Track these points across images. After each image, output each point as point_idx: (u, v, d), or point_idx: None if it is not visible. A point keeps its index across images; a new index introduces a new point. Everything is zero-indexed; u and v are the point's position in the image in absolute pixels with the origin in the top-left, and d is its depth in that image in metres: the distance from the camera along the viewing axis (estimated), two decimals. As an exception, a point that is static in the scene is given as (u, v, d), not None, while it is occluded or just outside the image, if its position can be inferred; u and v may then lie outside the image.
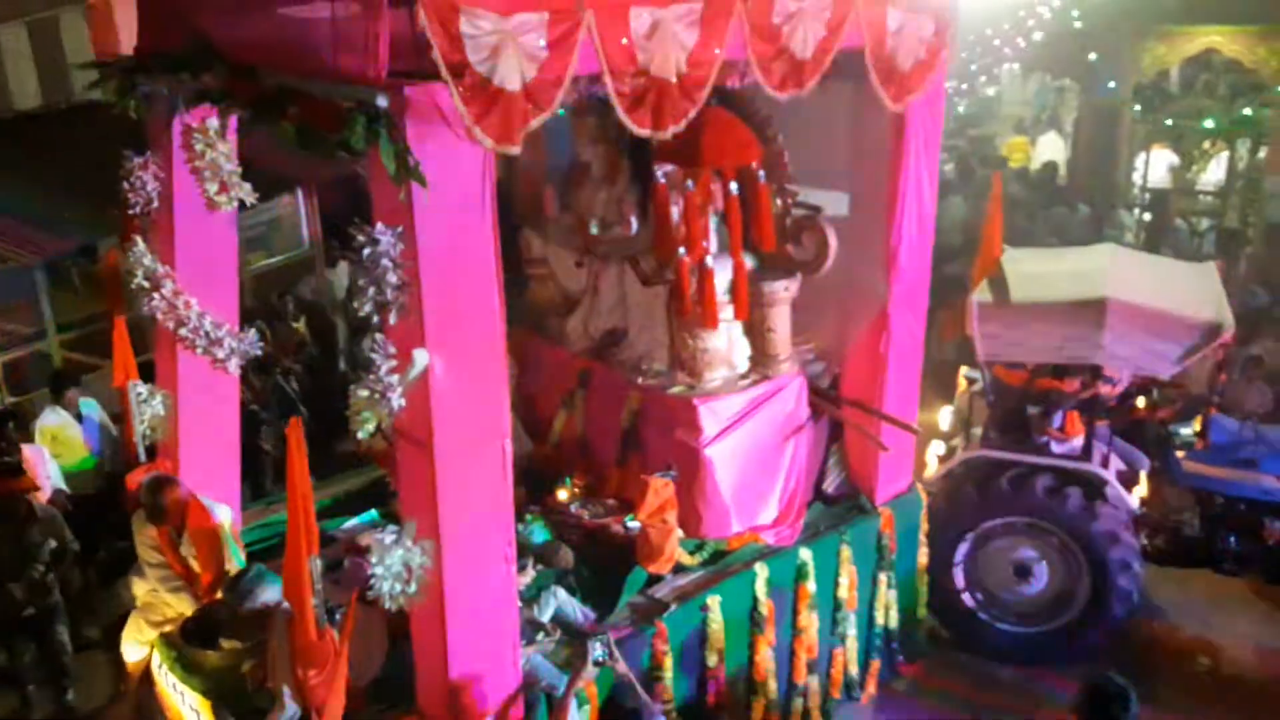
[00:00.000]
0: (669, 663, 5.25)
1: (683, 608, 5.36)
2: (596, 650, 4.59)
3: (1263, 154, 12.86)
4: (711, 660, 5.48)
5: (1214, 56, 12.57)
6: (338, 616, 4.35)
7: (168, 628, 5.14)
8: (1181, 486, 7.34)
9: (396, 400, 3.76)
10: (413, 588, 4.00)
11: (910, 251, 5.90)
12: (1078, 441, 6.90)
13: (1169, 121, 12.96)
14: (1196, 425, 7.48)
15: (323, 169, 10.98)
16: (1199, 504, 7.28)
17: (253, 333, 5.71)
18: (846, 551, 6.09)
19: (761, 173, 5.27)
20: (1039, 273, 6.96)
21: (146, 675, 5.34)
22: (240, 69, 4.06)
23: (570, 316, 6.70)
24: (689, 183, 5.30)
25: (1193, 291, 6.76)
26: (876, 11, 5.11)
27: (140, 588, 5.35)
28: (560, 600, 5.18)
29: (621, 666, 4.72)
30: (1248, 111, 12.45)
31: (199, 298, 5.36)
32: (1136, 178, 13.75)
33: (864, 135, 5.80)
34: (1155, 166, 13.75)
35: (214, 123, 4.93)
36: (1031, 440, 6.95)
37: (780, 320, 5.92)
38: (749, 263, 5.68)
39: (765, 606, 5.67)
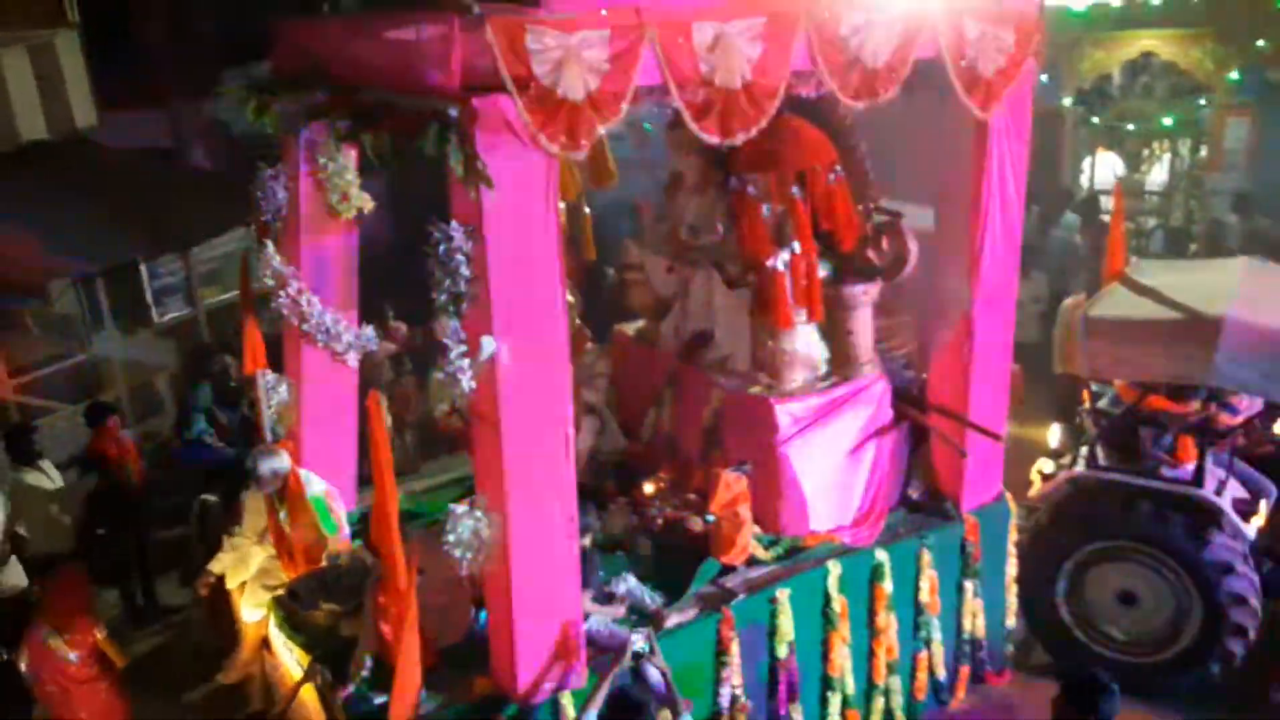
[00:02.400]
0: (735, 649, 5.43)
1: (751, 598, 5.53)
2: (637, 642, 4.83)
3: (1204, 153, 13.25)
4: (781, 652, 5.62)
5: (1152, 60, 12.86)
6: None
7: (280, 591, 5.70)
8: None
9: (467, 383, 4.14)
10: (481, 556, 4.34)
11: (995, 260, 5.92)
12: (1191, 466, 6.61)
13: (1110, 123, 13.32)
14: None
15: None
16: None
17: (370, 328, 6.27)
18: (927, 556, 6.13)
19: (833, 175, 5.39)
20: (1161, 287, 6.73)
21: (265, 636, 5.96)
22: (343, 87, 4.55)
23: (663, 320, 7.01)
24: (747, 188, 5.49)
25: None
26: (953, 21, 5.22)
27: (258, 557, 5.95)
28: (630, 585, 5.45)
29: (659, 661, 4.94)
30: (1185, 112, 12.83)
31: (320, 296, 5.92)
32: (1084, 180, 13.97)
33: (949, 144, 5.86)
34: (1102, 169, 13.96)
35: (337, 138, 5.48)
36: (1141, 461, 6.74)
37: (860, 324, 6.05)
38: (824, 268, 5.82)
39: (838, 603, 5.79)
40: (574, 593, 4.73)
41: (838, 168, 5.44)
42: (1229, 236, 11.39)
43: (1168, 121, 13.31)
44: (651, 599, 5.47)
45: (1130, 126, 13.62)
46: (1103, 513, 6.54)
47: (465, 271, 4.04)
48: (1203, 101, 12.92)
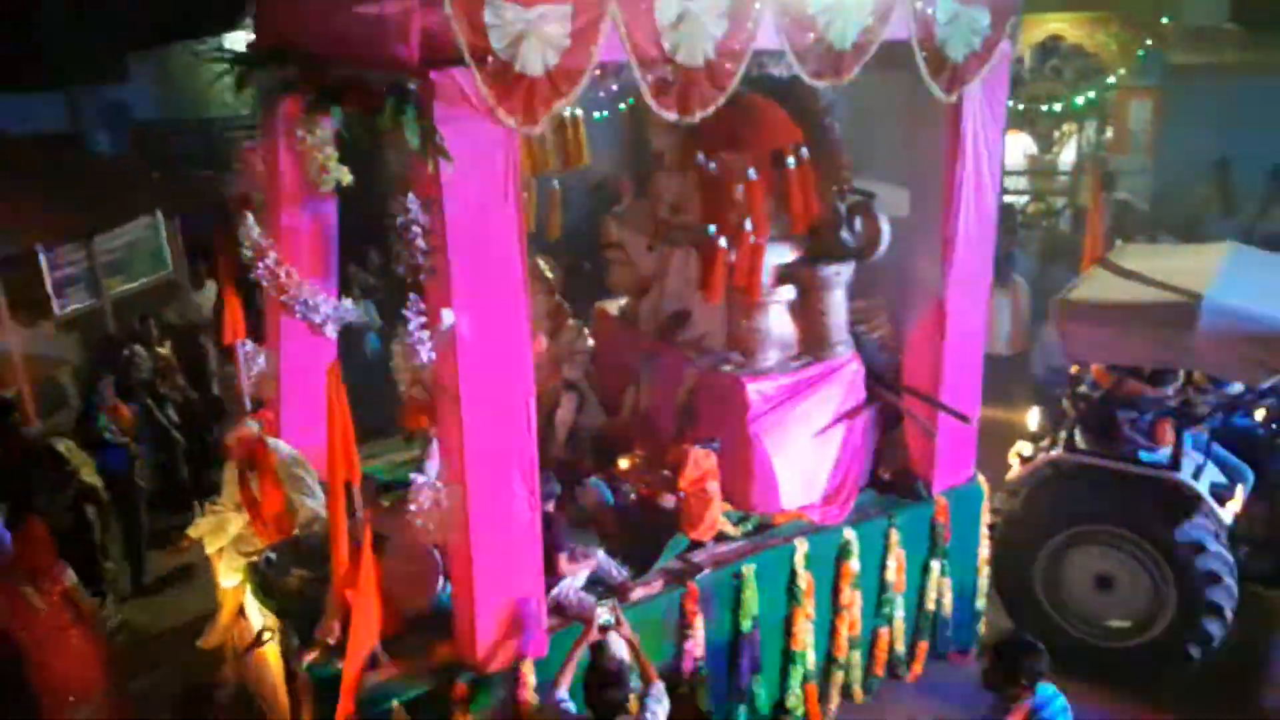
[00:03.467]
0: (699, 622, 5.51)
1: (716, 573, 5.61)
2: (602, 615, 4.91)
3: (1109, 134, 13.75)
4: (745, 625, 5.70)
5: (1060, 43, 13.16)
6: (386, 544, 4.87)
7: (255, 558, 5.80)
8: None
9: (426, 354, 4.22)
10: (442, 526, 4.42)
11: (967, 243, 5.94)
12: (1168, 450, 6.62)
13: (1020, 105, 13.43)
14: None
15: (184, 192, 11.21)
16: None
17: (349, 300, 6.34)
18: (895, 535, 6.19)
19: (792, 158, 5.41)
20: (1141, 270, 6.74)
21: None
22: (313, 61, 4.60)
23: (643, 298, 7.06)
24: (709, 166, 5.50)
25: None
26: (925, 3, 5.22)
27: (235, 524, 6.06)
28: (599, 558, 5.53)
29: (626, 632, 5.01)
30: (1092, 94, 13.14)
31: (299, 268, 5.99)
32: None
33: (924, 126, 5.87)
34: (1013, 149, 14.00)
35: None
36: (1120, 445, 6.75)
37: (833, 304, 6.10)
38: (782, 252, 5.85)
39: (803, 580, 5.85)
40: (534, 563, 4.81)
41: (803, 150, 5.44)
42: (1128, 216, 11.56)
43: (1081, 101, 13.59)
44: (619, 572, 5.54)
45: (1043, 108, 13.93)
46: (1080, 496, 6.57)
47: (422, 244, 4.09)
48: (1112, 80, 13.26)
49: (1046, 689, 4.33)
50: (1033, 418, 7.83)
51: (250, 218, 5.96)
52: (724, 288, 5.84)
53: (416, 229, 4.09)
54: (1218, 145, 11.47)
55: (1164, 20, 12.45)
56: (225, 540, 6.10)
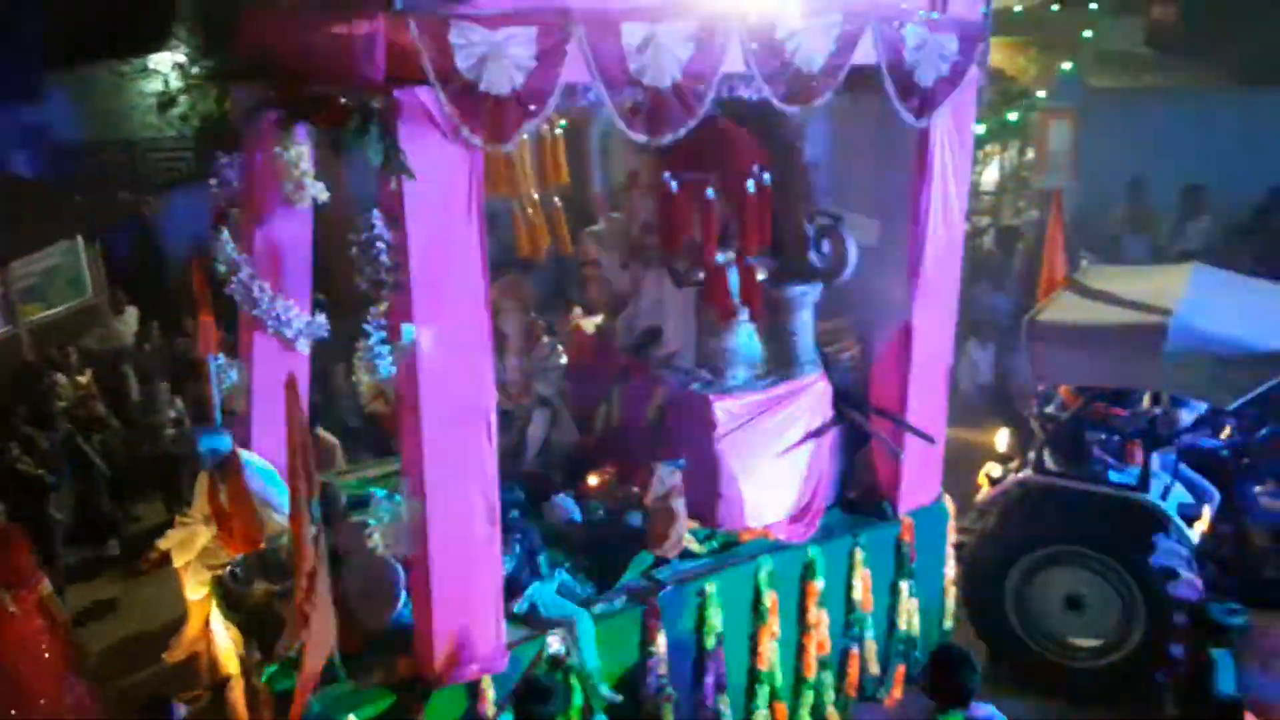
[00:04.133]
0: (661, 639, 5.52)
1: (679, 590, 5.63)
2: (553, 645, 4.91)
3: (1030, 155, 14.33)
4: (709, 643, 5.71)
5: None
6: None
7: (220, 571, 5.81)
8: (1258, 522, 6.92)
9: (385, 368, 4.25)
10: (393, 540, 4.45)
11: (934, 266, 6.01)
12: (1136, 469, 6.69)
13: None
14: None
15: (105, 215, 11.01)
16: (1277, 541, 6.82)
17: (321, 316, 6.36)
18: (860, 554, 6.22)
19: (751, 182, 5.46)
20: (1110, 291, 6.81)
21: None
22: (286, 78, 4.65)
23: (618, 316, 7.11)
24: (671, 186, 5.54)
25: (1275, 318, 6.45)
26: (894, 28, 5.30)
27: (204, 537, 6.07)
28: (561, 576, 5.56)
29: (575, 662, 5.09)
30: (1013, 116, 13.44)
31: (273, 283, 6.02)
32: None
33: (893, 150, 5.95)
34: None
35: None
36: (1088, 466, 6.81)
37: (801, 324, 6.15)
38: (760, 269, 5.91)
39: (768, 598, 5.88)
40: (493, 578, 4.83)
41: (765, 174, 5.50)
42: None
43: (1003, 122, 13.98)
44: (581, 589, 5.56)
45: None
46: (1049, 517, 6.60)
47: (385, 259, 4.13)
48: (1044, 94, 13.61)
49: (984, 707, 4.37)
50: (1001, 439, 7.90)
51: (225, 232, 5.99)
52: (731, 305, 5.86)
53: (380, 245, 4.12)
54: (1134, 165, 11.75)
55: (1083, 39, 12.96)
56: (193, 553, 6.12)
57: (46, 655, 5.78)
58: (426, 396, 4.36)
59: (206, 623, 6.16)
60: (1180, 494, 6.85)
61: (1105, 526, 6.43)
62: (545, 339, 7.16)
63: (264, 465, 6.01)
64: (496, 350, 6.91)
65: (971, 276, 10.67)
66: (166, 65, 14.25)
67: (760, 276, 5.82)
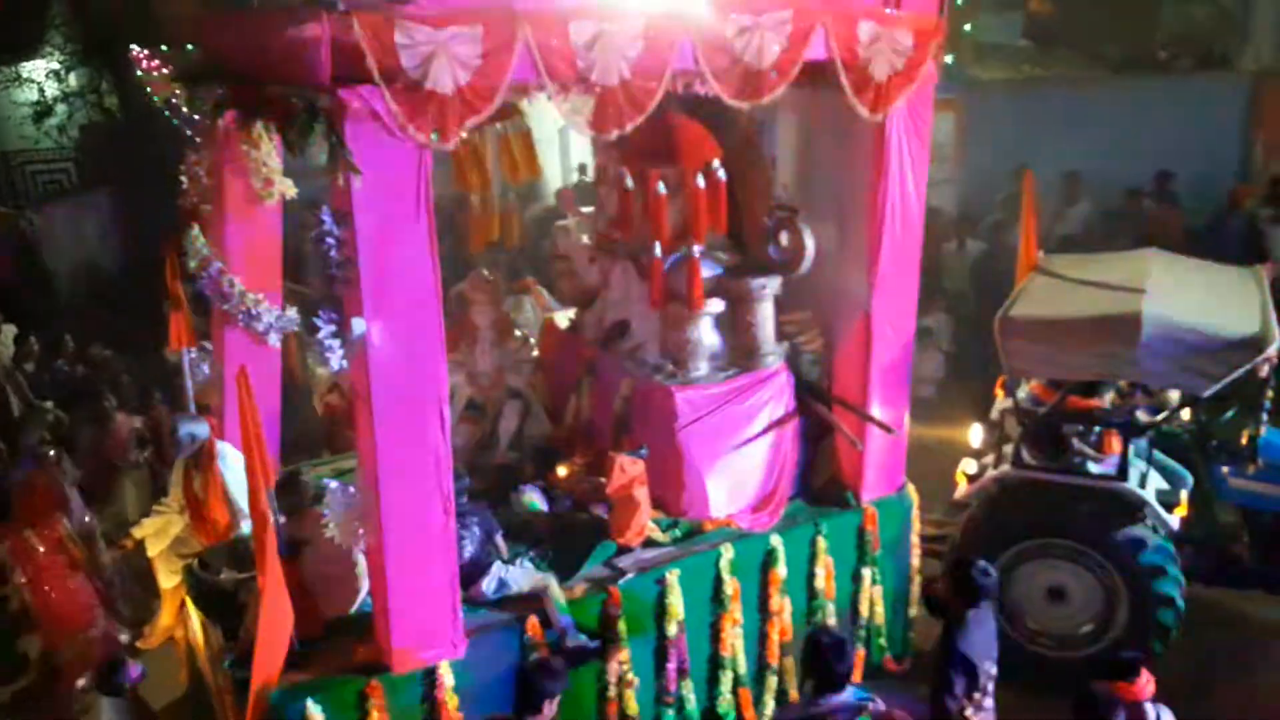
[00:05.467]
0: (622, 626, 5.62)
1: (641, 577, 5.73)
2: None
3: None
4: (671, 630, 5.81)
5: None
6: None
7: (191, 560, 5.93)
8: (1227, 504, 7.10)
9: (337, 361, 4.35)
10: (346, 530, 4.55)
11: (893, 258, 6.08)
12: (1114, 459, 6.73)
13: None
14: (1244, 440, 7.12)
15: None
16: (1247, 522, 7.04)
17: (293, 310, 6.47)
18: (822, 543, 6.31)
19: (702, 177, 5.53)
20: (1074, 282, 6.86)
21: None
22: (241, 77, 4.75)
23: (588, 309, 7.20)
24: (626, 180, 5.62)
25: (1236, 302, 6.54)
26: (846, 24, 5.37)
27: (177, 525, 6.19)
28: (526, 566, 5.67)
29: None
30: None
31: (243, 278, 6.12)
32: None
33: (851, 142, 6.01)
34: None
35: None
36: (1066, 458, 6.86)
37: (761, 317, 6.23)
38: (716, 261, 5.99)
39: (729, 585, 5.97)
40: (449, 567, 4.93)
41: (718, 169, 5.57)
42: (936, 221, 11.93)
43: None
44: (544, 578, 5.66)
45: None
46: (1030, 511, 6.67)
47: (335, 255, 4.23)
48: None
49: (860, 691, 4.51)
50: (975, 435, 7.94)
51: (195, 228, 6.09)
52: (663, 297, 5.96)
53: (330, 240, 4.22)
54: (1016, 154, 11.82)
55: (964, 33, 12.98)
56: (167, 542, 6.24)
57: (70, 586, 6.49)
58: (378, 389, 4.46)
59: (180, 611, 6.28)
60: (1157, 481, 6.95)
61: (1087, 517, 6.51)
62: (517, 332, 7.28)
63: (240, 456, 6.11)
64: (469, 343, 7.07)
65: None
66: (41, 74, 14.13)
67: (711, 271, 5.90)
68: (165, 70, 5.63)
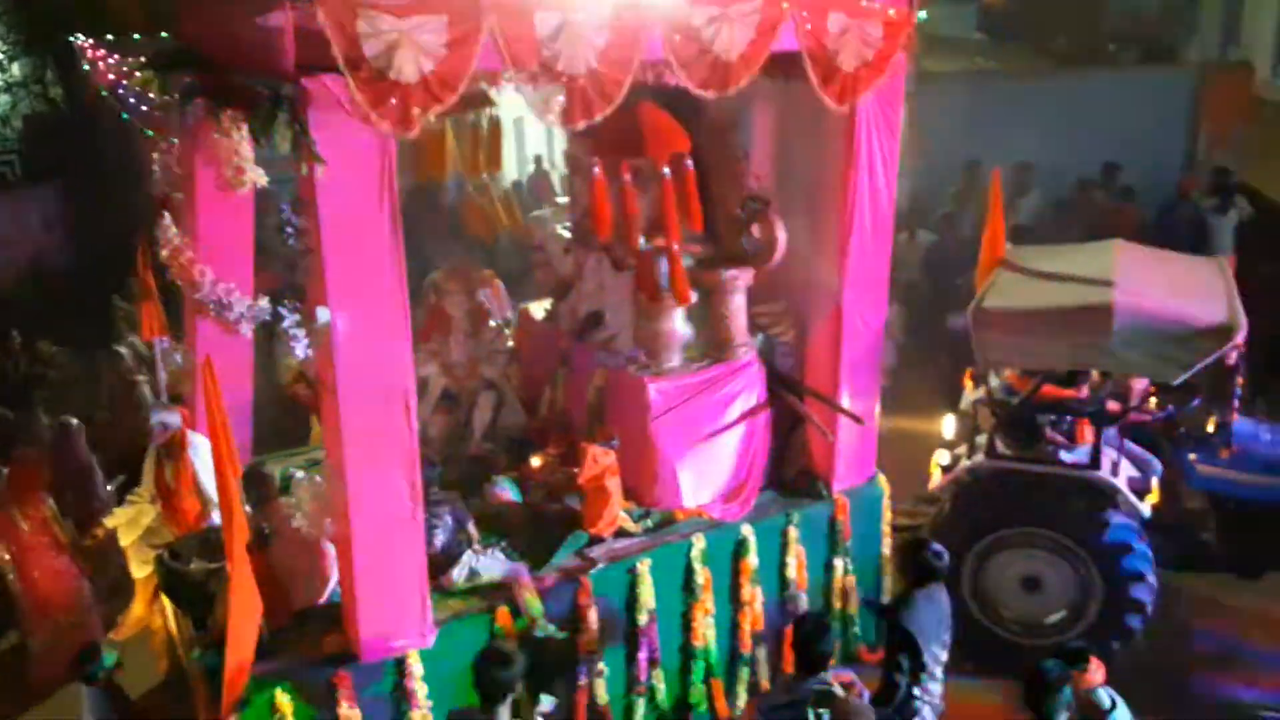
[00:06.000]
0: (592, 616, 5.65)
1: (612, 567, 5.76)
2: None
3: None
4: (641, 619, 5.84)
5: None
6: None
7: (161, 550, 5.92)
8: (1196, 490, 7.20)
9: (302, 350, 4.35)
10: (312, 520, 4.55)
11: (863, 249, 6.10)
12: (1086, 448, 6.82)
13: None
14: (1210, 426, 7.23)
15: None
16: (1214, 507, 7.14)
17: (265, 300, 6.45)
18: (794, 533, 6.35)
19: (667, 169, 5.53)
20: (1043, 273, 6.90)
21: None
22: (210, 65, 4.73)
23: (563, 300, 7.21)
24: (593, 170, 5.62)
25: (1202, 291, 6.61)
26: (815, 15, 5.37)
27: (149, 515, 6.18)
28: (498, 556, 5.69)
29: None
30: None
31: (215, 268, 6.10)
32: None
33: (823, 134, 6.03)
34: None
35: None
36: (1039, 448, 6.92)
37: (733, 308, 6.25)
38: (688, 254, 6.00)
39: (700, 575, 6.00)
40: (417, 557, 4.94)
41: (687, 159, 5.57)
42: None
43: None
44: (515, 568, 5.68)
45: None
46: (1004, 500, 6.73)
47: (294, 244, 4.23)
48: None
49: (846, 671, 4.72)
50: (948, 426, 7.99)
51: (167, 217, 6.07)
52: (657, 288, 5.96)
53: (289, 230, 4.22)
54: (968, 146, 12.01)
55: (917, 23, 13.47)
56: (139, 531, 6.23)
57: (53, 566, 6.65)
58: (343, 378, 4.46)
59: (153, 600, 6.28)
60: (1128, 469, 7.03)
61: (1061, 506, 6.59)
62: (492, 322, 7.28)
63: (207, 444, 6.11)
64: (443, 333, 7.07)
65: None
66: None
67: (689, 261, 5.91)
68: (113, 60, 5.54)
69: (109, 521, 6.31)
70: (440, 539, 5.44)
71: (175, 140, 5.93)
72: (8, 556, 6.60)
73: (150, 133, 5.65)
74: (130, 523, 6.24)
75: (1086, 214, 11.64)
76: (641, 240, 5.77)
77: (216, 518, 5.82)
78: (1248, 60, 15.52)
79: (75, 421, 7.39)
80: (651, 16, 4.80)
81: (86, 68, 5.72)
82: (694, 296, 6.18)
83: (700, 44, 5.01)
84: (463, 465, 6.77)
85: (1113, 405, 7.05)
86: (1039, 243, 7.48)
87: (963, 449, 7.57)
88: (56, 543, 6.73)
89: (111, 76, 5.40)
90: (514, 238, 7.52)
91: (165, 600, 6.00)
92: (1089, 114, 12.40)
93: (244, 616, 4.46)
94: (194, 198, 6.00)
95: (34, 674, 6.54)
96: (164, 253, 6.03)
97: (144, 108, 5.32)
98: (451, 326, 7.04)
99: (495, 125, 6.48)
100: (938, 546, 5.22)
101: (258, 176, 5.85)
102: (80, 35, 5.86)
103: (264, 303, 6.36)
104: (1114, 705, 4.48)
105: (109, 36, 5.79)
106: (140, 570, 6.19)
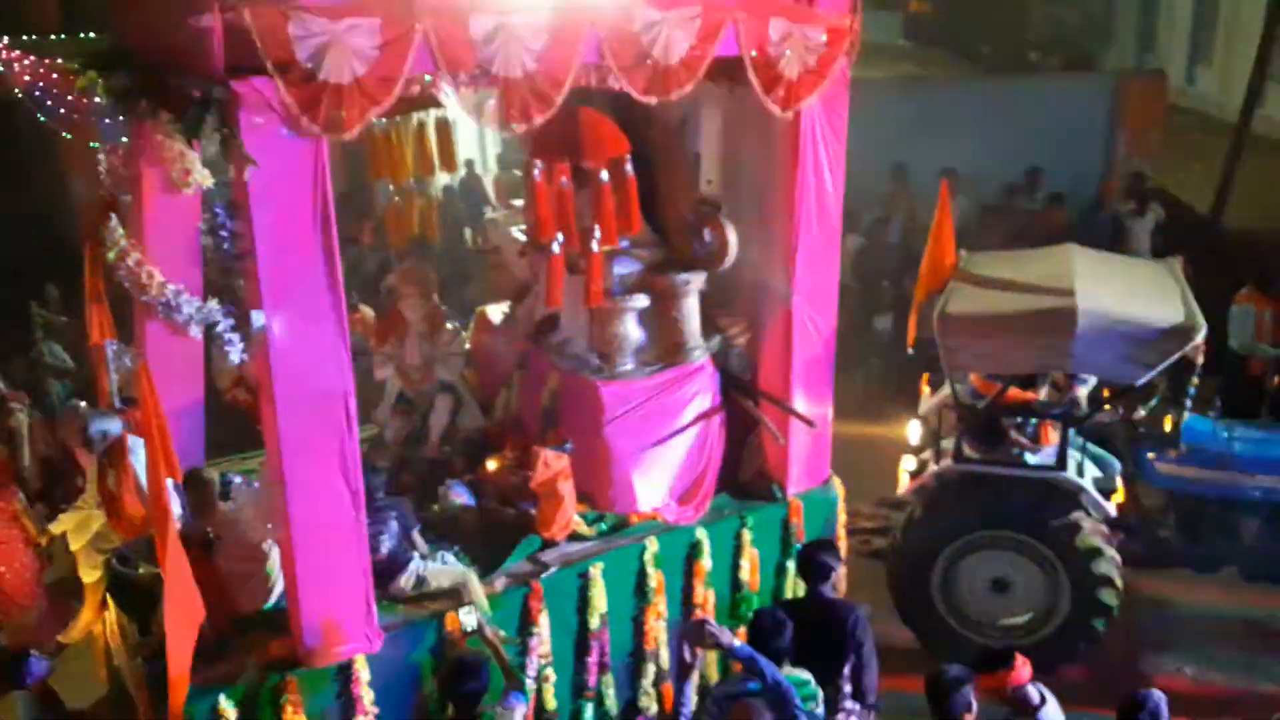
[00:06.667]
0: (544, 620, 5.63)
1: (564, 571, 5.74)
2: (466, 620, 5.02)
3: None
4: (594, 623, 5.82)
5: None
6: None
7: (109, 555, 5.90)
8: (1155, 488, 7.31)
9: (237, 354, 4.34)
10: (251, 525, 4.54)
11: (811, 254, 6.12)
12: (1051, 450, 6.91)
13: None
14: (1167, 425, 7.36)
15: None
16: (1173, 505, 7.25)
17: (214, 302, 6.42)
18: (747, 535, 6.35)
19: (605, 172, 5.54)
20: (1003, 279, 6.98)
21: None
22: (145, 66, 4.73)
23: (520, 302, 7.21)
24: (533, 172, 5.62)
25: (1158, 293, 6.73)
26: (756, 22, 5.39)
27: (97, 519, 6.15)
28: (448, 561, 5.67)
29: (489, 634, 5.20)
30: None
31: (163, 269, 6.07)
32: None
33: (770, 138, 6.04)
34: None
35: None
36: (1004, 451, 6.99)
37: (685, 312, 6.25)
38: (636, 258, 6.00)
39: (653, 578, 6.00)
40: (360, 562, 4.92)
41: (626, 164, 5.58)
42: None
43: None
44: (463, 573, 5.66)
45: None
46: (973, 504, 6.79)
47: (228, 247, 4.22)
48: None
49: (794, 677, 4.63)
50: (913, 431, 8.03)
51: (114, 219, 6.03)
52: (562, 294, 5.96)
53: (224, 234, 4.21)
54: (894, 152, 12.23)
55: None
56: (87, 537, 6.20)
57: (21, 560, 6.66)
58: (280, 383, 4.45)
59: (101, 605, 6.24)
60: (1091, 469, 7.09)
61: (1028, 508, 6.66)
62: (449, 325, 7.26)
63: (138, 444, 6.08)
64: (399, 336, 7.06)
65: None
66: None
67: (630, 267, 5.92)
68: (29, 61, 5.50)
69: (55, 527, 6.28)
70: (386, 545, 5.42)
71: (99, 144, 5.88)
72: None
73: (68, 134, 5.61)
74: (78, 527, 6.21)
75: (1012, 219, 11.94)
76: (594, 244, 5.76)
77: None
78: (1161, 69, 16.07)
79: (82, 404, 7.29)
80: (589, 21, 4.81)
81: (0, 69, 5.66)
82: (645, 299, 6.19)
83: (639, 49, 5.02)
84: (419, 468, 6.77)
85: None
86: (967, 248, 7.57)
87: (928, 454, 7.62)
88: (25, 537, 6.71)
89: (27, 78, 5.36)
90: (446, 243, 7.57)
91: (110, 607, 5.96)
92: (1012, 120, 12.64)
93: (181, 620, 4.43)
94: (140, 199, 5.97)
95: None
96: (111, 254, 6.00)
97: (61, 110, 5.28)
98: (408, 330, 7.02)
99: (445, 126, 6.45)
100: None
101: (205, 178, 5.86)
102: None
103: (213, 304, 6.36)
104: (1043, 701, 4.51)
105: (25, 37, 5.75)
106: (89, 575, 6.15)
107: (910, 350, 7.85)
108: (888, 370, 10.77)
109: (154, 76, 4.76)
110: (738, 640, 4.73)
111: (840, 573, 5.31)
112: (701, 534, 6.19)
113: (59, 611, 6.82)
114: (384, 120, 6.32)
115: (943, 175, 11.92)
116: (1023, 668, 4.49)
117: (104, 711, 5.98)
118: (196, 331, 6.21)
